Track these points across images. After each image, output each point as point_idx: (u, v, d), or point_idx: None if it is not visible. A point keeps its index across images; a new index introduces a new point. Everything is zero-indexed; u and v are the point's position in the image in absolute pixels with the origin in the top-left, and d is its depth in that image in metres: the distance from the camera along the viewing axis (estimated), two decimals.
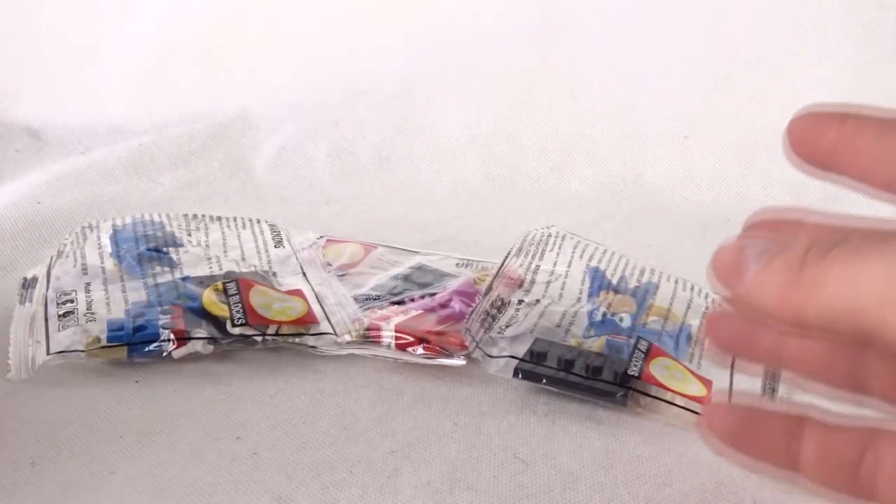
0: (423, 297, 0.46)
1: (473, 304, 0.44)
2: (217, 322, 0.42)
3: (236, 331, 0.42)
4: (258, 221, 0.54)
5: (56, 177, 0.64)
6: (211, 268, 0.47)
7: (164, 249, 0.48)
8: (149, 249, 0.47)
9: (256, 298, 0.43)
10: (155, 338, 0.41)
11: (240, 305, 0.43)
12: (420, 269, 0.50)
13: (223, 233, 0.52)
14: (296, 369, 0.42)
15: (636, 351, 0.40)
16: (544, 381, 0.39)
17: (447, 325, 0.43)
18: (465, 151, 0.72)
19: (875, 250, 0.18)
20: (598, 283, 0.46)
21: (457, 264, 0.51)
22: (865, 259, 0.19)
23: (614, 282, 0.47)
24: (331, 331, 0.43)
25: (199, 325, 0.42)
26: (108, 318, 0.41)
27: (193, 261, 0.47)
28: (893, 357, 0.22)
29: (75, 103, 0.79)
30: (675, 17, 0.73)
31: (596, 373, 0.39)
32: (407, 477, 0.34)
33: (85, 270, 0.46)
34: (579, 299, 0.45)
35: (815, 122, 0.23)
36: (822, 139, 0.23)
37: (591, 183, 0.69)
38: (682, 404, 0.38)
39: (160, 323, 0.41)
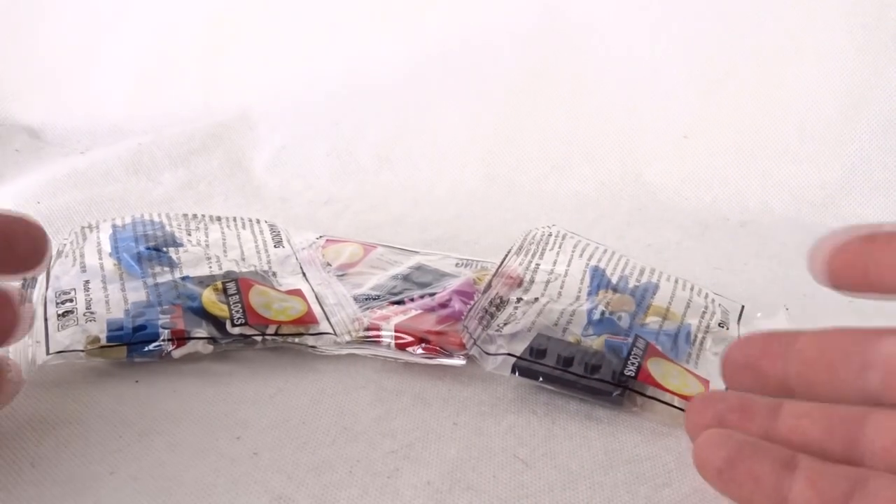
0: (422, 296, 0.46)
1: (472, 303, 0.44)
2: (217, 322, 0.42)
3: (236, 331, 0.42)
4: (258, 221, 0.54)
5: (55, 176, 0.64)
6: (210, 268, 0.47)
7: (164, 249, 0.48)
8: (148, 249, 0.47)
9: (256, 298, 0.43)
10: (155, 337, 0.41)
11: (239, 305, 0.43)
12: (420, 268, 0.50)
13: (223, 232, 0.52)
14: (295, 369, 0.42)
15: (633, 350, 0.40)
16: (541, 378, 0.39)
17: (447, 324, 0.43)
18: (465, 151, 0.72)
19: None
20: (598, 281, 0.46)
21: (456, 264, 0.51)
22: None
23: (615, 281, 0.47)
24: (330, 331, 0.43)
25: (198, 325, 0.42)
26: (108, 317, 0.41)
27: (193, 261, 0.47)
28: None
29: (75, 103, 0.80)
30: (675, 17, 0.73)
31: (594, 371, 0.39)
32: (407, 477, 0.34)
33: (84, 270, 0.46)
34: (578, 298, 0.45)
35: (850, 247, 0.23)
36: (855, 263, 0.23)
37: (590, 182, 0.69)
38: (679, 405, 0.38)
39: (160, 323, 0.41)
